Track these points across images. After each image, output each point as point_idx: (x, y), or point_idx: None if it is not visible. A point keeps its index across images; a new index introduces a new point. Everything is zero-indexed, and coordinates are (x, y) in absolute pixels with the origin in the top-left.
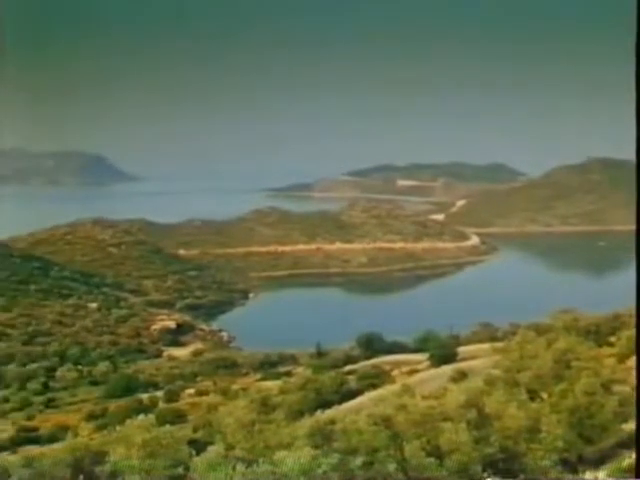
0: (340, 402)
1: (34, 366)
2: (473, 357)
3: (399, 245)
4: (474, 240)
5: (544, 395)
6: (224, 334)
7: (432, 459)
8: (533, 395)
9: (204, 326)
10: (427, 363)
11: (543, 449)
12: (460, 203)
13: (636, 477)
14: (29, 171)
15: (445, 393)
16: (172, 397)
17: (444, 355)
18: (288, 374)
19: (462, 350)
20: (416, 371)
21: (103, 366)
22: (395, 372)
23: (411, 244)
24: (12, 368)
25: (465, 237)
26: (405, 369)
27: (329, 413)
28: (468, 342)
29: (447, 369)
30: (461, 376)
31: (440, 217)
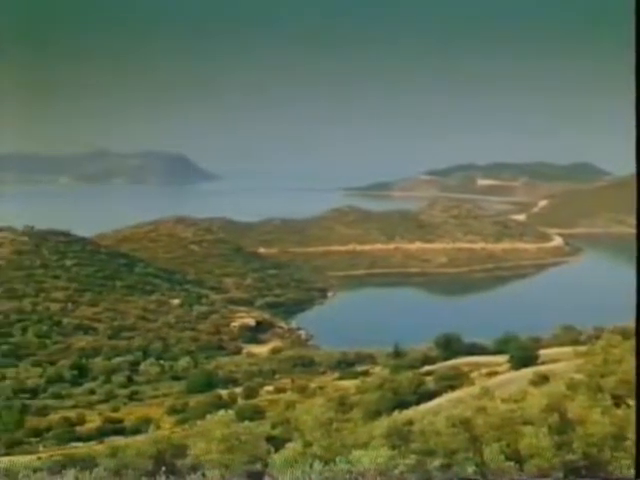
0: (418, 403)
1: (119, 360)
2: (555, 360)
3: (479, 245)
4: (557, 241)
5: (630, 402)
6: (302, 332)
7: (512, 463)
8: (618, 401)
9: (283, 324)
10: (507, 365)
11: (629, 458)
12: (542, 203)
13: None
14: (114, 171)
15: (525, 396)
16: (251, 393)
17: (524, 358)
18: (365, 373)
19: (543, 353)
20: (495, 373)
21: (184, 361)
22: (474, 374)
23: (491, 244)
24: (98, 361)
25: (547, 238)
26: (484, 371)
27: (406, 413)
28: (550, 345)
29: (527, 372)
30: (542, 379)
31: (521, 217)
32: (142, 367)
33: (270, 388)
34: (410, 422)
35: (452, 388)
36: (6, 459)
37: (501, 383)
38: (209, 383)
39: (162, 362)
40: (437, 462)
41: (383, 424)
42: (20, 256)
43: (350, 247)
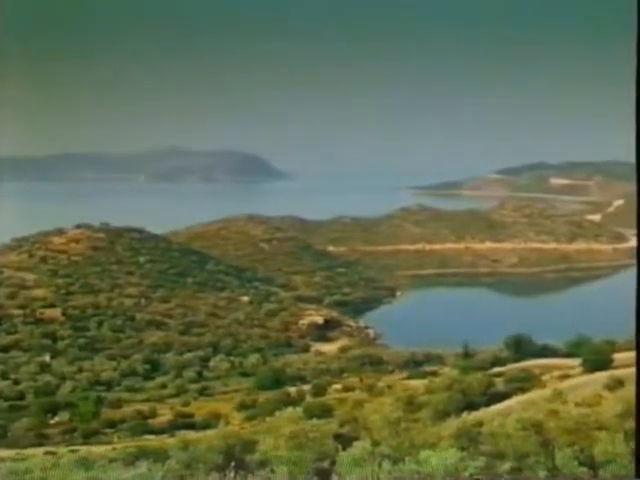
0: (487, 404)
1: (190, 355)
2: (630, 365)
3: (552, 246)
4: (633, 242)
5: None
6: (371, 331)
7: (585, 469)
8: None
9: (351, 322)
10: (580, 369)
11: None
12: (617, 203)
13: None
14: (186, 169)
15: (600, 401)
16: (319, 391)
17: (598, 361)
18: (434, 374)
19: (618, 357)
20: (568, 376)
21: (253, 358)
22: (545, 376)
23: (565, 245)
24: (170, 356)
25: (623, 238)
26: (556, 374)
27: (476, 415)
28: (625, 349)
29: (601, 376)
30: (617, 384)
31: (596, 217)
32: (212, 363)
33: (338, 386)
34: (479, 424)
35: (523, 390)
36: (84, 449)
37: (574, 386)
38: (277, 380)
39: (232, 358)
40: (507, 465)
41: (452, 425)
42: (96, 252)
43: (419, 246)
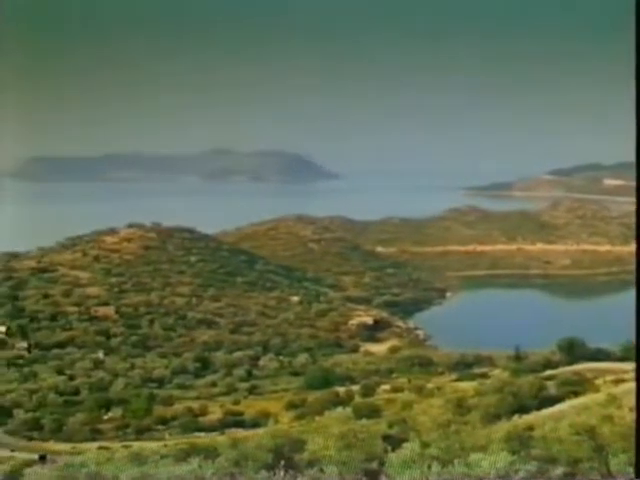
0: (539, 408)
1: (239, 354)
2: None
3: (605, 248)
4: None
5: None
6: (420, 332)
7: None
8: None
9: (400, 323)
10: (634, 373)
11: None
12: None
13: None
14: (236, 169)
15: None
16: (368, 392)
17: None
18: (484, 376)
19: None
20: (622, 381)
21: (303, 358)
22: (599, 380)
23: (619, 247)
24: (220, 355)
25: None
26: (610, 378)
27: (527, 418)
28: None
29: None
30: None
31: None
32: (262, 362)
33: (387, 387)
34: (531, 427)
35: (575, 394)
36: (136, 444)
37: (628, 391)
38: (327, 380)
39: (281, 358)
40: (560, 470)
41: (502, 428)
42: (148, 251)
43: (470, 247)
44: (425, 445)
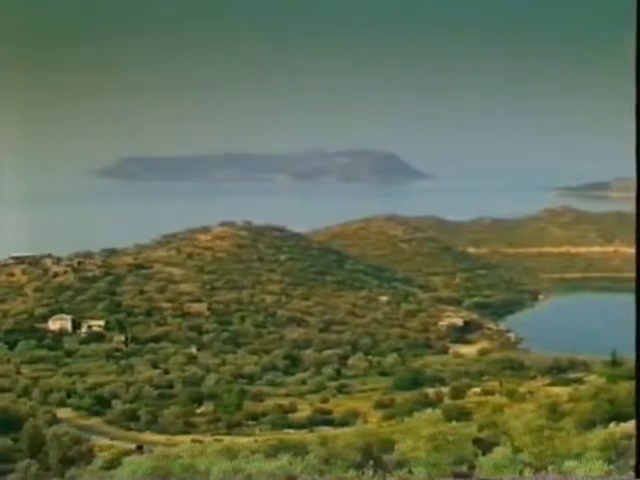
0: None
1: (329, 353)
2: None
3: None
4: None
5: None
6: (511, 335)
7: None
8: None
9: (491, 325)
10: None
11: None
12: None
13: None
14: (326, 169)
15: None
16: (458, 394)
17: None
18: (579, 381)
19: None
20: None
21: (392, 358)
22: None
23: None
24: (309, 353)
25: None
26: None
27: (624, 427)
28: None
29: None
30: None
31: None
32: (351, 361)
33: (477, 390)
34: (629, 436)
35: None
36: (227, 438)
37: None
38: (415, 381)
39: (370, 357)
40: None
41: (598, 436)
42: (239, 250)
43: (564, 249)
44: (517, 450)
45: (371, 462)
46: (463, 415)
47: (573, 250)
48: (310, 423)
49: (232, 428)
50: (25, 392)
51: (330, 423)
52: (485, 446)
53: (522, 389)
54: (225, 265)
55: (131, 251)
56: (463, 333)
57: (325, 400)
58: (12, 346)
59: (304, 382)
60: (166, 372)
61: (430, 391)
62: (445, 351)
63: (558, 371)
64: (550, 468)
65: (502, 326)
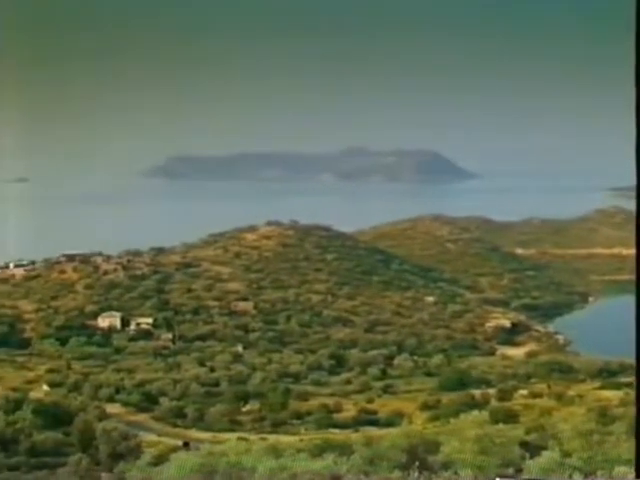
0: None
1: (374, 353)
2: None
3: None
4: None
5: None
6: (560, 337)
7: None
8: None
9: (540, 327)
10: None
11: None
12: None
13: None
14: (372, 168)
15: None
16: (505, 396)
17: None
18: (630, 385)
19: None
20: None
21: (437, 359)
22: None
23: None
24: (354, 353)
25: None
26: None
27: None
28: None
29: None
30: None
31: None
32: (396, 361)
33: (524, 392)
34: None
35: None
36: (273, 437)
37: None
38: (462, 382)
39: (416, 358)
40: None
41: None
42: (285, 249)
43: (615, 250)
44: (566, 454)
45: (416, 463)
46: (510, 418)
47: (625, 252)
48: (355, 423)
49: (277, 427)
50: (75, 387)
51: (375, 423)
52: (533, 449)
53: (571, 392)
54: (271, 264)
55: (179, 250)
56: (511, 335)
57: (370, 400)
58: (63, 342)
59: (349, 382)
60: (212, 370)
61: (476, 393)
62: (492, 353)
63: (608, 375)
64: (600, 473)
65: (550, 328)
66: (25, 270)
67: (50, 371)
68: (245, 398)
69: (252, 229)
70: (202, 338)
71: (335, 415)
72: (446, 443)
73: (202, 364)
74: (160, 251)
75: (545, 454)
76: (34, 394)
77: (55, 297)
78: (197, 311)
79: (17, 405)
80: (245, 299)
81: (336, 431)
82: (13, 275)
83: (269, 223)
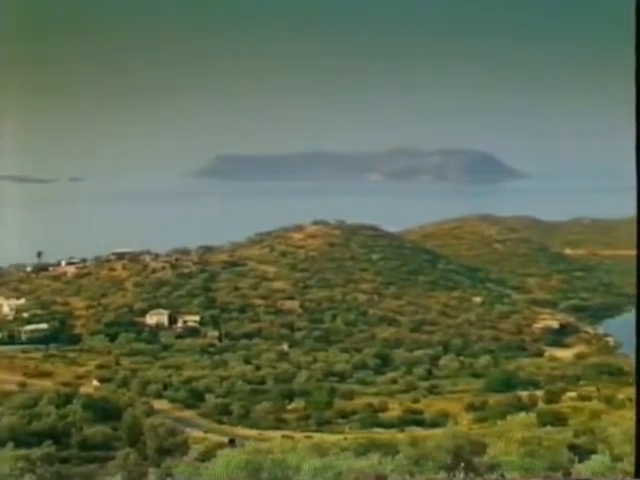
0: None
1: (420, 353)
2: None
3: None
4: None
5: None
6: (610, 339)
7: None
8: None
9: (589, 329)
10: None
11: None
12: None
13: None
14: (420, 168)
15: None
16: (553, 398)
17: None
18: None
19: None
20: None
21: (484, 360)
22: None
23: None
24: (400, 352)
25: None
26: None
27: None
28: None
29: None
30: None
31: None
32: (442, 362)
33: (573, 394)
34: None
35: None
36: (317, 435)
37: None
38: (509, 383)
39: (462, 358)
40: None
41: None
42: (332, 248)
43: None
44: (616, 459)
45: (462, 464)
46: (558, 420)
47: None
48: (400, 423)
49: (322, 425)
50: (124, 383)
51: (420, 423)
52: (582, 453)
53: (621, 395)
54: (317, 263)
55: (226, 248)
56: (559, 336)
57: (416, 400)
58: (112, 338)
59: (395, 381)
60: (258, 368)
61: (523, 394)
62: (540, 354)
63: None
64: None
65: (600, 330)
66: (76, 268)
67: (100, 367)
68: (290, 396)
69: (298, 228)
70: (248, 336)
71: (380, 414)
72: (492, 445)
73: (248, 362)
74: (208, 250)
75: (595, 458)
76: (84, 389)
77: (105, 294)
78: (243, 309)
79: (68, 399)
80: (291, 298)
81: (381, 430)
82: (65, 272)
83: (315, 222)
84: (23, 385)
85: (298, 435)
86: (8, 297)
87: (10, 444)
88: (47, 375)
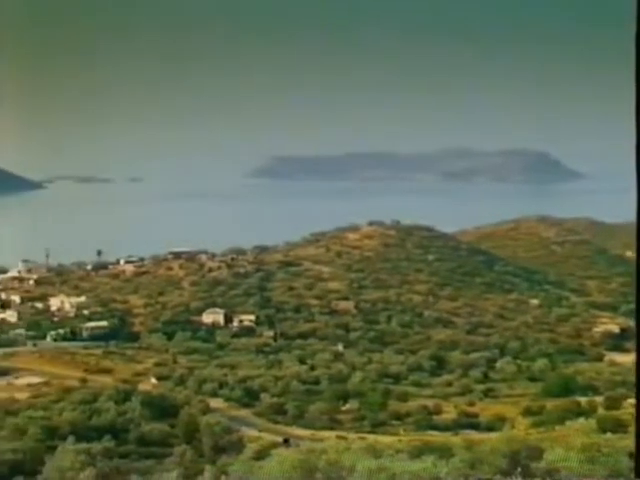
0: None
1: (476, 355)
2: None
3: None
4: None
5: None
6: None
7: None
8: None
9: None
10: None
11: None
12: None
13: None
14: (477, 169)
15: None
16: (613, 404)
17: None
18: None
19: None
20: None
21: (542, 363)
22: None
23: None
24: (456, 354)
25: None
26: None
27: None
28: None
29: None
30: None
31: None
32: (498, 365)
33: (634, 401)
34: None
35: None
36: (372, 437)
37: None
38: (567, 388)
39: (519, 362)
40: None
41: None
42: (387, 249)
43: None
44: None
45: (519, 469)
46: (619, 427)
47: None
48: (455, 426)
49: (376, 427)
50: (181, 381)
51: (476, 427)
52: None
53: None
54: (373, 264)
55: (281, 248)
56: (619, 340)
57: (471, 403)
58: (170, 337)
59: (450, 384)
60: (313, 368)
61: (582, 400)
62: (599, 358)
63: None
64: None
65: None
66: (135, 266)
67: (158, 364)
68: (345, 397)
69: (354, 229)
70: (303, 336)
71: (435, 417)
72: (550, 450)
73: (303, 362)
74: (263, 250)
75: None
76: (142, 386)
77: (162, 293)
78: (298, 309)
79: (127, 396)
80: (346, 298)
81: (435, 433)
82: (123, 271)
83: (371, 223)
84: (84, 381)
85: (352, 436)
86: (69, 294)
87: (71, 438)
88: (107, 372)
